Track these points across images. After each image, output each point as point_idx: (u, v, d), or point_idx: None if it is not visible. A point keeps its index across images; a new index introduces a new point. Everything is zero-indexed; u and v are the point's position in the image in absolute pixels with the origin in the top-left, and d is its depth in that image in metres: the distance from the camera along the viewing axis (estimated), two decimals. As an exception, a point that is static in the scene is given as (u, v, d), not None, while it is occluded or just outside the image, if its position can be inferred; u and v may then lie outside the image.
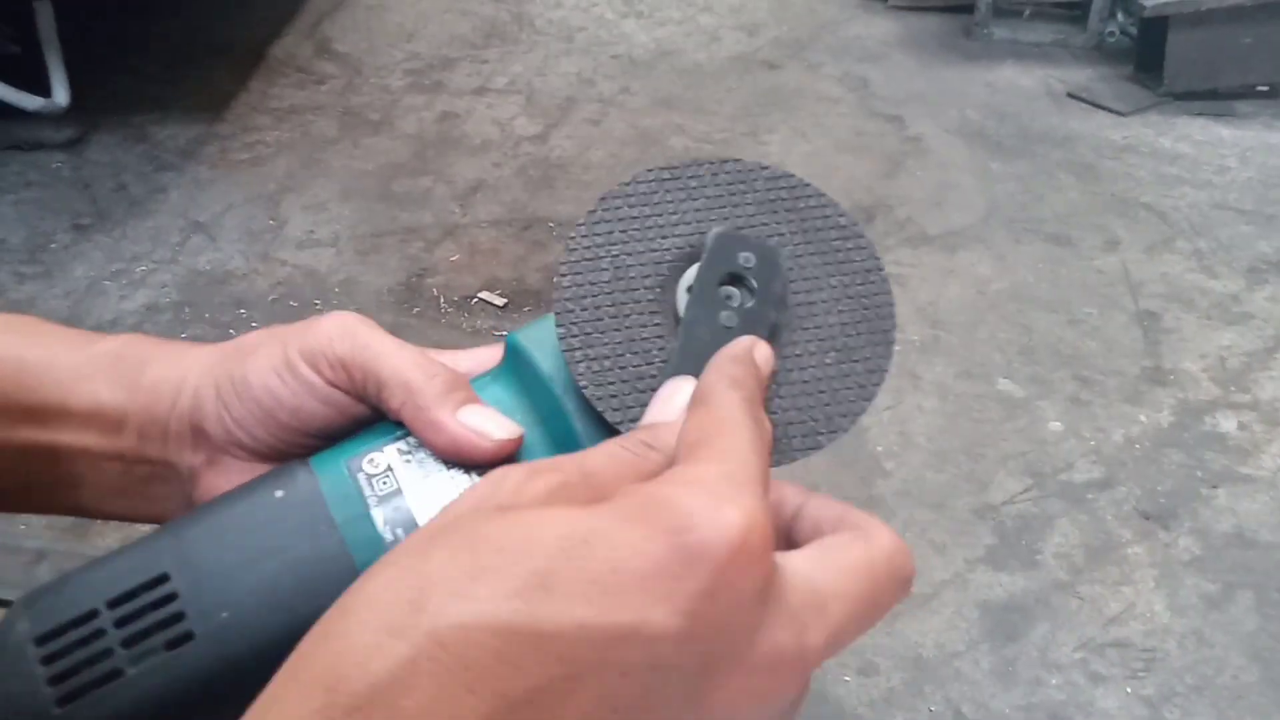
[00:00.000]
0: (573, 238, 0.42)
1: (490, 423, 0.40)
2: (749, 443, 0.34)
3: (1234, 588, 1.85)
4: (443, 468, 0.40)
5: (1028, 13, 3.79)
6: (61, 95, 2.89)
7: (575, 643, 0.28)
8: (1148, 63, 3.39)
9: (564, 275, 0.42)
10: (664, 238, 0.43)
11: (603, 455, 0.36)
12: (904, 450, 2.09)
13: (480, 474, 0.40)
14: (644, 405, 0.39)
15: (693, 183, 0.44)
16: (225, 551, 0.39)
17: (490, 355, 0.45)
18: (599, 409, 0.40)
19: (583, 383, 0.40)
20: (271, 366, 0.42)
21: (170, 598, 0.38)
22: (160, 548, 0.39)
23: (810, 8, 3.97)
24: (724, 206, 0.43)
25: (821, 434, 0.41)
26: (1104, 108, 3.31)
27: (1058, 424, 2.17)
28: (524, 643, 0.28)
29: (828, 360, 0.42)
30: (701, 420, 0.35)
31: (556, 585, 0.29)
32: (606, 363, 0.41)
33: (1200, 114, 3.28)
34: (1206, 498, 2.01)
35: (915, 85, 3.45)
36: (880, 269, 0.44)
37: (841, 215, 0.44)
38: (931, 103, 3.34)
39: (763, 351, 0.39)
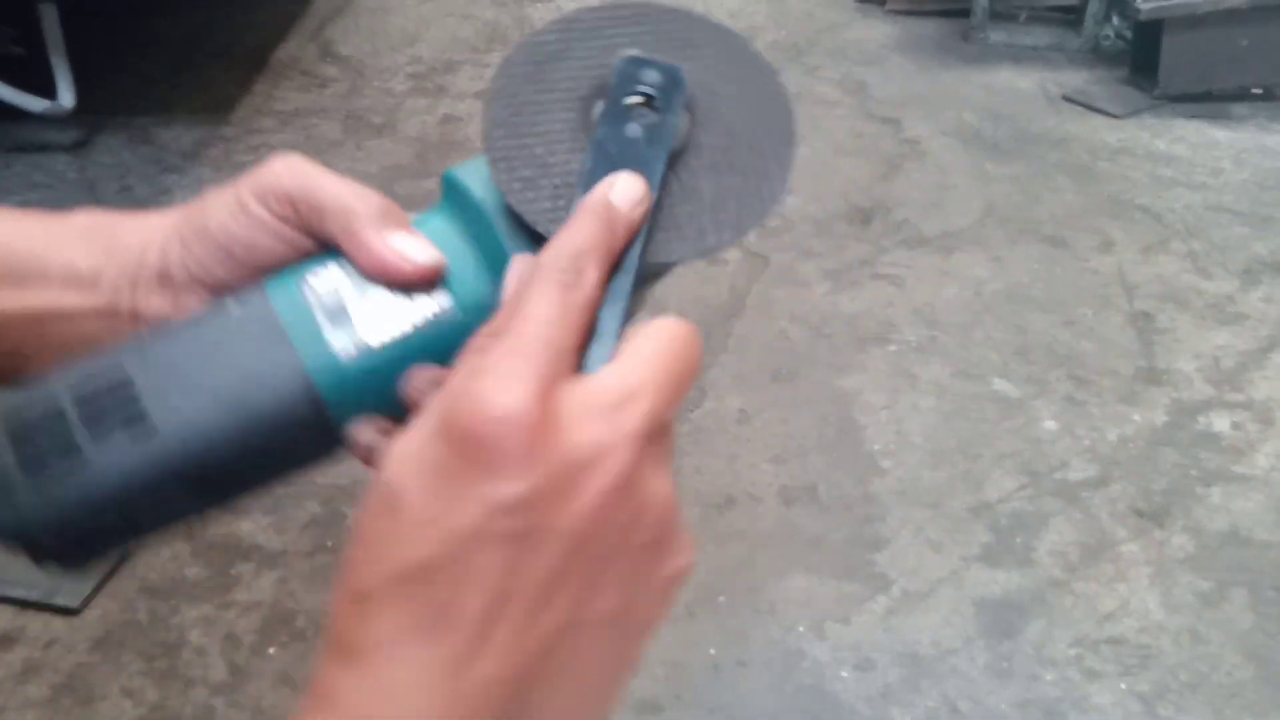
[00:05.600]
0: (497, 76, 0.46)
1: (414, 248, 0.44)
2: (541, 322, 0.36)
3: (1228, 585, 1.86)
4: (376, 285, 0.44)
5: (1024, 17, 3.81)
6: (67, 97, 2.91)
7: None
8: (1143, 66, 3.41)
9: (492, 103, 0.46)
10: (580, 69, 0.46)
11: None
12: (900, 449, 2.12)
13: (408, 294, 0.44)
14: (568, 213, 0.42)
15: (600, 22, 0.47)
16: (186, 358, 0.43)
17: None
18: (529, 220, 0.43)
19: (511, 198, 0.43)
20: (226, 208, 0.46)
21: (133, 396, 0.42)
22: (125, 356, 0.43)
23: (808, 12, 3.99)
24: (632, 38, 0.47)
25: (743, 220, 0.46)
26: (1099, 110, 3.33)
27: (1053, 423, 2.19)
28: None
29: (739, 156, 0.47)
30: (508, 305, 0.38)
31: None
32: (530, 176, 0.44)
33: (1195, 116, 3.30)
34: (1200, 496, 2.03)
35: (913, 88, 3.47)
36: (778, 79, 0.49)
37: (740, 39, 0.49)
38: (929, 105, 3.36)
39: (624, 187, 0.42)
